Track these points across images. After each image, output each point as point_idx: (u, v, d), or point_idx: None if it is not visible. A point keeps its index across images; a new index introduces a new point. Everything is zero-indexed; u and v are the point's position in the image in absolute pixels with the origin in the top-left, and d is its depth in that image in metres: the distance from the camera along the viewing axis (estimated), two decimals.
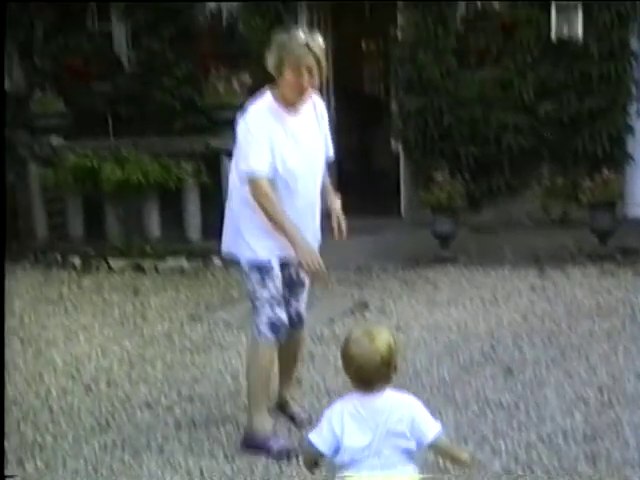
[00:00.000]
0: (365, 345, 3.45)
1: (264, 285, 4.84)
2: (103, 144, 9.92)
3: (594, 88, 10.07)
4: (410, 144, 10.59)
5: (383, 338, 3.48)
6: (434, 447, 3.46)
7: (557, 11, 10.03)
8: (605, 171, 9.03)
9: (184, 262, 9.32)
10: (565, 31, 10.08)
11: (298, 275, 5.05)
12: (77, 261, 9.57)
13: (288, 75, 4.71)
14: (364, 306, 7.61)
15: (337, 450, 3.42)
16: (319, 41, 4.76)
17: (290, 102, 4.82)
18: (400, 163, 11.06)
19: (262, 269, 4.83)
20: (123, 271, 9.31)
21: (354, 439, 3.40)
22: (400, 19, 10.78)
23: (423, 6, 10.35)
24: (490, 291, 8.04)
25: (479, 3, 10.56)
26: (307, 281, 5.12)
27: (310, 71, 4.71)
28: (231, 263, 5.49)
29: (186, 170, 9.43)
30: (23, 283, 8.95)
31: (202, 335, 7.14)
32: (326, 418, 3.49)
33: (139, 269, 9.31)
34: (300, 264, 4.78)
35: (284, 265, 4.93)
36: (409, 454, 3.41)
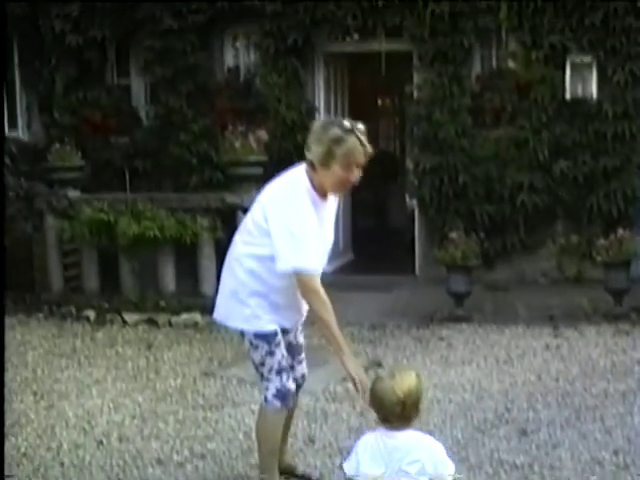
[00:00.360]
0: (385, 383, 3.72)
1: (273, 355, 4.75)
2: (120, 198, 9.93)
3: (608, 147, 10.14)
4: (425, 202, 10.63)
5: (405, 380, 3.71)
6: None
7: (571, 70, 10.15)
8: (620, 230, 9.04)
9: (198, 317, 9.26)
10: (579, 90, 10.20)
11: (297, 338, 5.05)
12: (91, 314, 9.55)
13: (337, 169, 4.52)
14: (377, 364, 7.55)
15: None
16: (364, 133, 4.59)
17: (326, 192, 4.69)
18: (415, 220, 11.09)
19: (270, 340, 4.73)
20: (137, 325, 9.28)
21: (368, 468, 3.70)
22: (416, 77, 10.90)
23: (439, 64, 10.46)
24: (504, 350, 8.00)
25: (494, 62, 10.70)
26: (303, 340, 5.11)
27: (360, 167, 4.60)
28: (225, 328, 5.36)
29: (202, 225, 9.46)
30: (37, 335, 8.94)
31: (215, 391, 7.10)
32: (355, 446, 3.83)
33: (153, 323, 9.27)
34: (351, 378, 4.48)
35: (284, 331, 4.86)
36: None
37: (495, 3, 10.20)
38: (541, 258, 10.62)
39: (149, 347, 8.48)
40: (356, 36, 11.45)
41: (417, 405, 3.69)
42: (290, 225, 4.48)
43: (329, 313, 4.54)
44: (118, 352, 8.34)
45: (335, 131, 4.52)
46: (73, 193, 10.19)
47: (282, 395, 4.80)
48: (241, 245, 4.76)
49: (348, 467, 3.80)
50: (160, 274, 9.70)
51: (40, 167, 10.57)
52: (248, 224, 4.74)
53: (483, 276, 10.18)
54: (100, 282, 9.99)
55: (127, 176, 10.38)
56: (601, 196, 10.19)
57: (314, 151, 4.55)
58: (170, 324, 9.26)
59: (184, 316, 9.32)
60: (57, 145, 10.49)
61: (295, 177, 4.66)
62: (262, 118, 10.78)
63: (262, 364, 4.78)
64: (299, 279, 4.53)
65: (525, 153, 10.32)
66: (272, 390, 4.79)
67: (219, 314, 4.90)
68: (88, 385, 7.32)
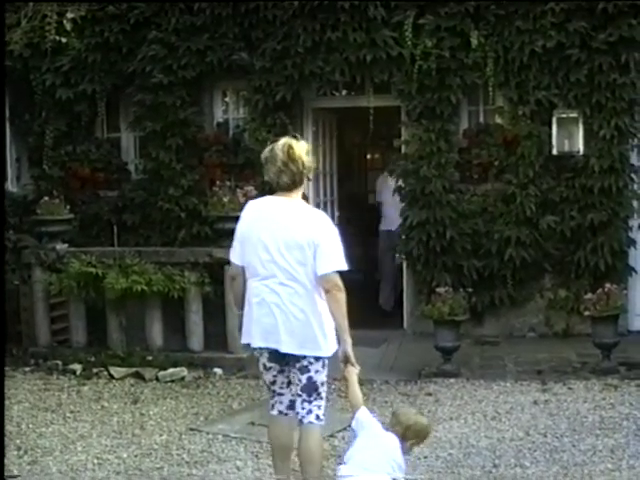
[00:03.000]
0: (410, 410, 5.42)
1: (326, 375, 5.40)
2: (108, 251, 9.95)
3: (595, 202, 10.17)
4: (413, 256, 10.63)
5: (420, 417, 5.25)
6: None
7: (558, 125, 10.22)
8: (607, 284, 9.03)
9: (185, 372, 9.23)
10: (566, 145, 10.27)
11: None
12: (78, 368, 9.48)
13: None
14: None
15: None
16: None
17: None
18: (403, 275, 11.08)
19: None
20: (123, 379, 9.19)
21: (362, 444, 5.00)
22: (404, 132, 10.96)
23: (427, 120, 10.52)
24: (492, 405, 7.96)
25: (481, 117, 10.80)
26: None
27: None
28: (283, 362, 5.48)
29: (189, 280, 9.46)
30: (22, 389, 8.87)
31: (200, 447, 7.04)
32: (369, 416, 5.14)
33: (140, 378, 9.19)
34: (344, 355, 5.24)
35: None
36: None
37: (482, 60, 10.29)
38: (529, 313, 10.62)
39: (135, 402, 8.41)
40: (344, 92, 11.62)
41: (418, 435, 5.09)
42: (335, 233, 5.34)
43: (345, 304, 5.30)
44: (104, 407, 8.28)
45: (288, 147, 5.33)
46: (61, 246, 10.15)
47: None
48: (304, 277, 5.26)
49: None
50: (147, 328, 9.67)
51: (29, 220, 10.57)
52: (295, 258, 5.25)
53: (471, 331, 10.19)
54: (87, 336, 9.95)
55: (115, 230, 10.37)
56: (588, 250, 10.22)
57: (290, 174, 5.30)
58: (157, 379, 9.17)
59: (171, 371, 9.26)
60: (46, 198, 10.47)
61: (300, 203, 5.42)
62: (250, 173, 10.78)
63: (322, 384, 5.39)
64: (333, 277, 5.24)
65: (512, 208, 10.34)
66: (322, 410, 5.41)
67: (291, 346, 5.29)
68: (73, 440, 7.27)
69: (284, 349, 5.29)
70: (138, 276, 9.40)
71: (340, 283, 5.27)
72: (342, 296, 5.28)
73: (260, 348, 5.44)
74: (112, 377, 9.25)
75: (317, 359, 5.32)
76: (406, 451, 5.04)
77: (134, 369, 9.32)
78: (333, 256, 5.27)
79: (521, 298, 10.60)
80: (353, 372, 5.25)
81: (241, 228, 5.51)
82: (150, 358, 9.49)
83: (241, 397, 8.50)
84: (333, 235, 5.33)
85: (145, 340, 9.68)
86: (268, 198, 5.50)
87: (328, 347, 5.33)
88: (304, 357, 5.31)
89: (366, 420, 5.10)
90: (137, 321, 9.69)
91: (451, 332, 9.04)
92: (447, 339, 9.03)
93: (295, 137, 5.40)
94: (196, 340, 9.62)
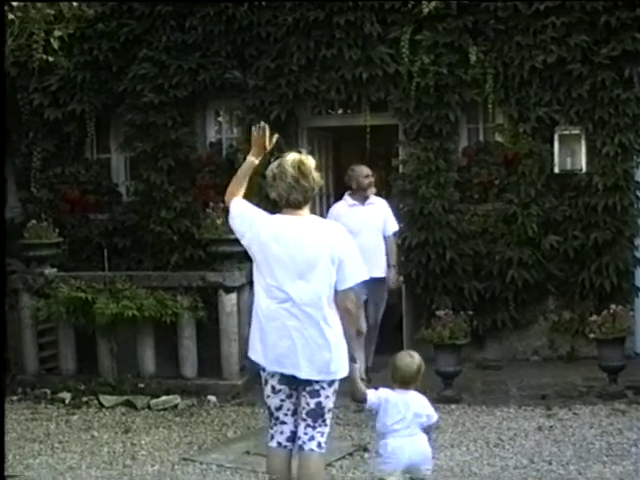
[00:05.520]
0: (407, 359, 5.78)
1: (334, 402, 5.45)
2: (98, 276, 9.88)
3: (599, 220, 10.13)
4: (412, 279, 10.57)
5: (416, 357, 5.80)
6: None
7: (560, 143, 10.20)
8: (613, 305, 8.97)
9: (178, 400, 9.16)
10: (568, 163, 10.25)
11: None
12: (67, 396, 9.39)
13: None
14: (364, 449, 7.42)
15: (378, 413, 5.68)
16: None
17: None
18: (402, 298, 11.01)
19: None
20: (114, 408, 9.11)
21: (392, 414, 5.63)
22: (402, 151, 10.95)
23: (425, 138, 10.50)
24: (495, 432, 7.88)
25: (481, 135, 10.79)
26: None
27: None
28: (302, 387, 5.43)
29: (182, 304, 9.42)
30: (9, 419, 8.73)
31: (194, 478, 6.97)
32: (380, 402, 5.66)
33: (131, 406, 9.11)
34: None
35: None
36: (423, 428, 5.72)
37: (481, 76, 10.28)
38: (532, 335, 10.56)
39: (126, 431, 8.33)
40: (340, 110, 11.63)
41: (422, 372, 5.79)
42: (354, 244, 5.42)
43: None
44: (94, 436, 8.20)
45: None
46: (50, 271, 10.10)
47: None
48: (324, 299, 5.27)
49: (380, 420, 5.69)
50: (139, 355, 9.62)
51: (16, 244, 10.49)
52: (317, 278, 5.24)
53: (473, 355, 10.13)
54: (76, 363, 9.89)
55: (106, 253, 10.31)
56: (593, 271, 10.17)
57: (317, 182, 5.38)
58: (149, 407, 9.10)
59: (163, 398, 9.19)
60: (34, 221, 10.41)
61: (314, 218, 5.51)
62: (245, 195, 10.70)
63: (329, 411, 5.41)
64: (350, 292, 5.33)
65: (514, 228, 10.30)
66: (325, 437, 5.40)
67: (313, 371, 5.27)
68: (61, 472, 7.20)
69: (303, 375, 5.27)
70: (129, 301, 9.35)
71: (354, 297, 5.43)
72: (355, 309, 5.51)
73: (273, 372, 5.39)
74: (102, 406, 9.17)
75: (330, 384, 5.33)
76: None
77: (125, 397, 9.24)
78: (356, 269, 5.34)
79: (524, 321, 10.55)
80: (355, 369, 5.45)
81: (255, 246, 5.42)
82: (142, 386, 9.42)
83: (236, 425, 8.42)
84: (353, 246, 5.40)
85: (136, 367, 9.62)
86: (280, 216, 5.41)
87: (344, 370, 5.35)
88: (317, 381, 5.30)
89: (378, 396, 5.67)
90: (128, 347, 9.63)
91: (452, 356, 8.97)
92: (448, 364, 8.95)
93: (299, 152, 5.41)
94: (189, 366, 9.56)
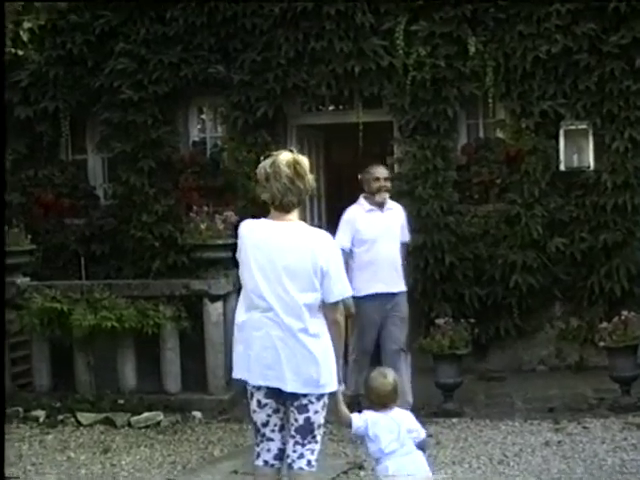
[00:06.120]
0: (379, 381, 5.72)
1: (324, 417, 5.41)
2: (74, 285, 9.84)
3: (608, 221, 10.14)
4: (409, 285, 10.49)
5: (389, 374, 5.80)
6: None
7: (565, 138, 10.18)
8: (624, 311, 8.96)
9: (161, 416, 9.14)
10: (575, 160, 10.24)
11: None
12: (41, 415, 9.34)
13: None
14: (359, 467, 7.38)
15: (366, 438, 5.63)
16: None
17: None
18: None
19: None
20: (92, 426, 9.06)
21: (385, 436, 5.56)
22: (397, 150, 10.94)
23: (421, 136, 10.51)
24: (499, 448, 7.85)
25: (481, 132, 10.79)
26: None
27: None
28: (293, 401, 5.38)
29: (165, 315, 9.41)
30: None
31: None
32: (367, 427, 5.59)
33: (110, 424, 9.08)
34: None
35: None
36: (417, 444, 5.69)
37: (481, 68, 10.28)
38: (538, 344, 10.56)
39: (105, 451, 8.29)
40: (331, 107, 11.62)
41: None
42: (340, 256, 5.46)
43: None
44: (70, 457, 8.15)
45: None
46: (22, 280, 10.07)
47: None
48: (310, 308, 5.26)
49: (374, 446, 5.61)
50: (119, 369, 9.60)
51: None
52: (301, 287, 5.22)
53: (474, 365, 10.10)
54: (52, 378, 9.84)
55: (83, 261, 10.30)
56: (602, 275, 10.16)
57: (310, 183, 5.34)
58: (129, 424, 9.08)
59: (145, 415, 9.17)
60: (5, 227, 10.34)
61: (302, 225, 5.42)
62: (230, 197, 10.81)
63: (319, 427, 5.38)
64: (341, 305, 5.36)
65: (517, 230, 10.30)
66: (315, 455, 5.37)
67: (297, 384, 5.24)
68: None
69: (289, 388, 5.24)
70: (108, 312, 9.34)
71: (343, 309, 5.41)
72: (343, 322, 5.43)
73: (259, 386, 5.37)
74: (80, 424, 9.13)
75: (319, 398, 5.29)
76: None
77: (104, 414, 9.22)
78: (343, 283, 5.36)
79: (529, 328, 10.54)
80: (339, 392, 5.48)
81: (241, 254, 5.43)
82: (122, 402, 9.40)
83: (223, 443, 8.39)
84: (339, 257, 5.42)
85: (116, 382, 9.59)
86: (266, 221, 5.40)
87: (332, 383, 5.33)
88: (305, 395, 5.27)
89: (364, 419, 5.62)
90: (107, 361, 9.61)
91: (452, 367, 8.94)
92: (448, 375, 8.92)
93: (291, 151, 5.37)
94: (173, 381, 9.54)
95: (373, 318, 8.45)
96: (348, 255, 8.18)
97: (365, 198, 8.71)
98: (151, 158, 11.17)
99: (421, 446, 5.75)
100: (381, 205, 8.64)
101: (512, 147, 10.37)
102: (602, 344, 8.93)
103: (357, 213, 8.66)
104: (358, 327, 8.34)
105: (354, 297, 8.21)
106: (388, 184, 8.69)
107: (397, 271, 8.66)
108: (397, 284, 8.62)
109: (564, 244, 10.24)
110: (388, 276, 8.49)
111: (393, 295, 8.50)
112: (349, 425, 5.61)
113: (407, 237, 8.95)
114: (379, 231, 8.53)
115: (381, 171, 8.74)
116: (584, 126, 10.15)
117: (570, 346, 10.42)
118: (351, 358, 8.45)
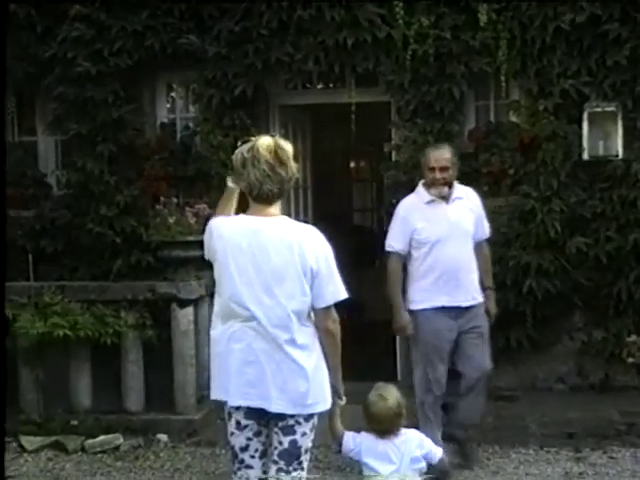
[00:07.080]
0: (380, 405, 5.77)
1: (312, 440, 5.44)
2: (21, 287, 9.80)
3: (639, 218, 10.02)
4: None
5: (391, 395, 5.83)
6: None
7: (590, 123, 10.06)
8: None
9: (120, 439, 9.13)
10: (600, 148, 10.11)
11: None
12: None
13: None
14: None
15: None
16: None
17: None
18: None
19: None
20: (39, 452, 9.01)
21: (379, 466, 5.70)
22: (395, 135, 10.87)
23: (423, 119, 10.42)
24: (510, 479, 7.87)
25: (492, 115, 10.74)
26: None
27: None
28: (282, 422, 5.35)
29: (126, 322, 9.44)
30: None
31: None
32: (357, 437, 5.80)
33: (60, 449, 9.04)
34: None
35: None
36: (421, 472, 5.69)
37: (492, 41, 10.18)
38: (556, 359, 10.45)
39: None
40: (320, 85, 11.53)
41: (404, 409, 5.83)
42: (332, 254, 5.42)
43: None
44: None
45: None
46: None
47: None
48: (298, 316, 5.26)
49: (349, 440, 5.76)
50: (72, 385, 9.59)
51: None
52: (288, 293, 5.21)
53: None
54: None
55: (31, 259, 10.21)
56: (631, 280, 10.03)
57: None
58: (83, 449, 9.08)
59: (102, 438, 9.16)
60: None
61: (286, 220, 5.44)
62: (203, 187, 10.70)
63: (306, 451, 5.38)
64: (333, 310, 5.38)
65: (532, 227, 10.19)
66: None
67: (283, 403, 5.23)
68: None
69: (274, 408, 5.24)
70: (60, 318, 9.33)
71: (337, 316, 5.42)
72: (338, 330, 5.41)
73: (238, 406, 5.37)
74: (24, 449, 9.09)
75: (307, 419, 5.31)
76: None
77: (53, 438, 9.21)
78: (336, 284, 5.38)
79: (545, 341, 10.43)
80: (338, 404, 5.52)
81: (217, 256, 5.43)
82: (75, 423, 9.39)
83: (192, 470, 8.41)
84: (331, 258, 5.40)
85: (68, 400, 9.57)
86: (245, 217, 5.41)
87: (323, 402, 5.37)
88: (292, 415, 5.28)
89: (357, 442, 5.75)
90: (58, 376, 9.56)
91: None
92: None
93: (273, 136, 5.39)
94: (135, 398, 9.53)
95: (437, 340, 7.91)
96: (406, 260, 7.85)
97: (425, 186, 8.05)
98: (112, 141, 11.02)
99: (437, 467, 5.89)
100: (444, 196, 7.98)
101: (527, 132, 10.24)
102: (631, 360, 9.11)
103: (414, 206, 8.03)
104: (419, 354, 7.95)
105: (410, 311, 7.92)
106: (447, 175, 7.94)
107: (467, 278, 7.99)
108: (467, 295, 7.97)
109: (586, 244, 10.10)
110: (454, 286, 7.85)
111: (463, 309, 7.90)
112: (339, 443, 5.70)
113: (485, 233, 8.41)
114: (443, 229, 7.88)
115: (438, 157, 7.99)
116: (612, 108, 10.01)
117: (593, 362, 10.28)
118: (417, 402, 7.99)
